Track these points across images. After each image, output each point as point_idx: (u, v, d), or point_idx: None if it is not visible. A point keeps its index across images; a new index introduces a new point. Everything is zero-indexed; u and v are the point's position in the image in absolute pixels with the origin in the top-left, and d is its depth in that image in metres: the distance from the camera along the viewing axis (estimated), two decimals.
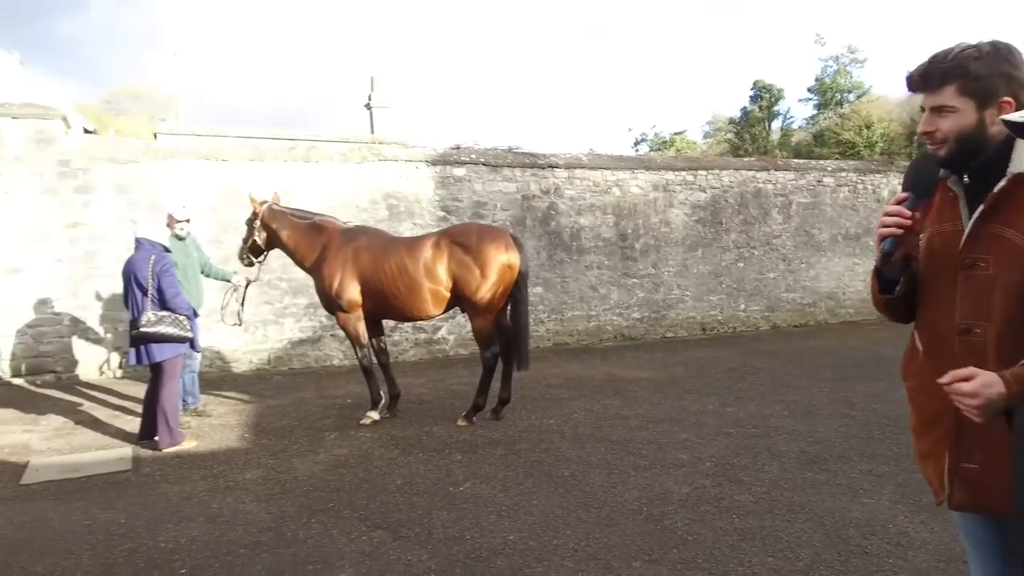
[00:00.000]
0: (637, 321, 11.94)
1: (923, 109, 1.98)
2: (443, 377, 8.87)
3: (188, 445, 5.89)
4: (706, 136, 40.14)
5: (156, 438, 5.84)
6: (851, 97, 30.06)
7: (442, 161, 10.73)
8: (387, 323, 7.13)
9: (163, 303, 5.78)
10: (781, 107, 34.64)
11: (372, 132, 20.17)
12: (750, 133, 34.41)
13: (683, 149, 33.21)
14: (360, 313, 6.58)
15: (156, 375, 5.93)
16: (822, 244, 13.52)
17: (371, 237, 6.70)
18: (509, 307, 6.54)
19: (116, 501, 4.66)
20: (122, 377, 8.94)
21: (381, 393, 6.73)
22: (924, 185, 2.00)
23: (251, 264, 7.12)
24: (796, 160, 14.86)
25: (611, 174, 11.80)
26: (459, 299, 6.43)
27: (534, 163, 11.28)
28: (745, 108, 35.70)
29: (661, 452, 5.53)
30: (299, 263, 6.93)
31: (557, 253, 11.38)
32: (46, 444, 6.01)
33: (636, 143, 38.01)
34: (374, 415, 6.62)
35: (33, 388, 8.19)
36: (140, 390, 6.82)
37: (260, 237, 6.88)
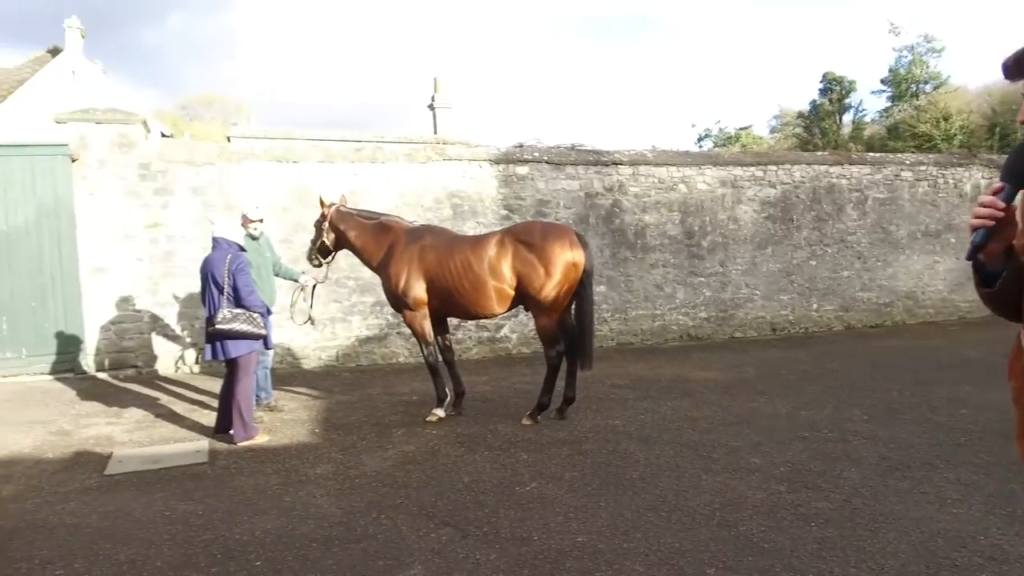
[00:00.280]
0: (704, 321, 11.68)
1: None
2: (506, 375, 8.87)
3: (261, 439, 6.03)
4: (773, 131, 39.12)
5: (231, 432, 6.01)
6: (927, 88, 28.81)
7: (505, 160, 10.72)
8: (450, 321, 7.16)
9: (238, 301, 5.93)
10: (852, 100, 33.52)
11: (435, 132, 20.37)
12: (820, 127, 33.36)
13: (749, 144, 32.44)
14: (426, 311, 6.62)
15: (231, 371, 6.10)
16: (900, 241, 12.97)
17: (436, 236, 6.73)
18: (574, 306, 6.48)
19: (194, 493, 4.81)
20: (199, 372, 9.25)
21: (447, 391, 6.77)
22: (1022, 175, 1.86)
23: (319, 265, 7.26)
24: (871, 154, 14.28)
25: (677, 170, 11.58)
26: (523, 297, 6.40)
27: (597, 160, 11.16)
28: (814, 101, 34.62)
29: (733, 456, 5.38)
30: (366, 263, 7.03)
31: (621, 251, 11.23)
32: (128, 436, 6.25)
33: (699, 139, 37.31)
34: (440, 412, 6.66)
35: (116, 382, 8.55)
36: (216, 385, 7.03)
37: (328, 238, 7.00)
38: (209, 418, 6.61)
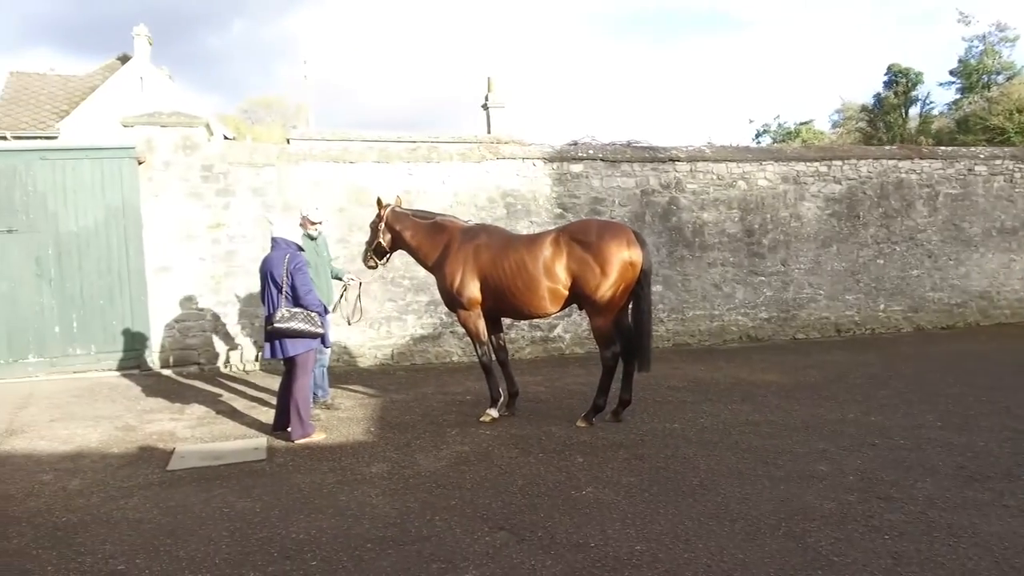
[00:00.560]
0: (764, 321, 11.35)
1: None
2: (560, 376, 8.76)
3: (318, 437, 6.08)
4: (835, 125, 38.04)
5: (289, 429, 6.07)
6: (1000, 79, 27.57)
7: (559, 158, 10.62)
8: (504, 320, 7.10)
9: (296, 300, 5.99)
10: (919, 92, 32.36)
11: (489, 132, 20.39)
12: (884, 121, 32.28)
13: (809, 140, 31.56)
14: (480, 311, 6.58)
15: (289, 369, 6.17)
16: (973, 239, 12.36)
17: (491, 235, 6.68)
18: (630, 306, 6.34)
19: (252, 490, 4.86)
20: (259, 370, 9.42)
21: (500, 391, 6.71)
22: None
23: (375, 266, 7.29)
24: (943, 148, 13.65)
25: (736, 166, 11.27)
26: (578, 297, 6.29)
27: (654, 157, 10.95)
28: (879, 94, 33.54)
29: (798, 463, 5.17)
30: (421, 262, 7.03)
31: (678, 250, 11.00)
32: (190, 432, 6.38)
33: (757, 135, 36.52)
34: (493, 413, 6.61)
35: (179, 379, 8.77)
36: (275, 382, 7.13)
37: (385, 239, 7.03)
38: (268, 415, 6.70)
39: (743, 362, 9.44)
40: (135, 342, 9.05)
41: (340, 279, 7.48)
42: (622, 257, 6.07)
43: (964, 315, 12.35)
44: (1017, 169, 12.57)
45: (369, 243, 7.20)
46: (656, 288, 10.30)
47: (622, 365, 6.36)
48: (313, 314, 6.04)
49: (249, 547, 3.95)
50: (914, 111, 33.14)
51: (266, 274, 6.07)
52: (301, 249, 6.30)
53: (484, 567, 3.63)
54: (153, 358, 9.14)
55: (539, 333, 10.51)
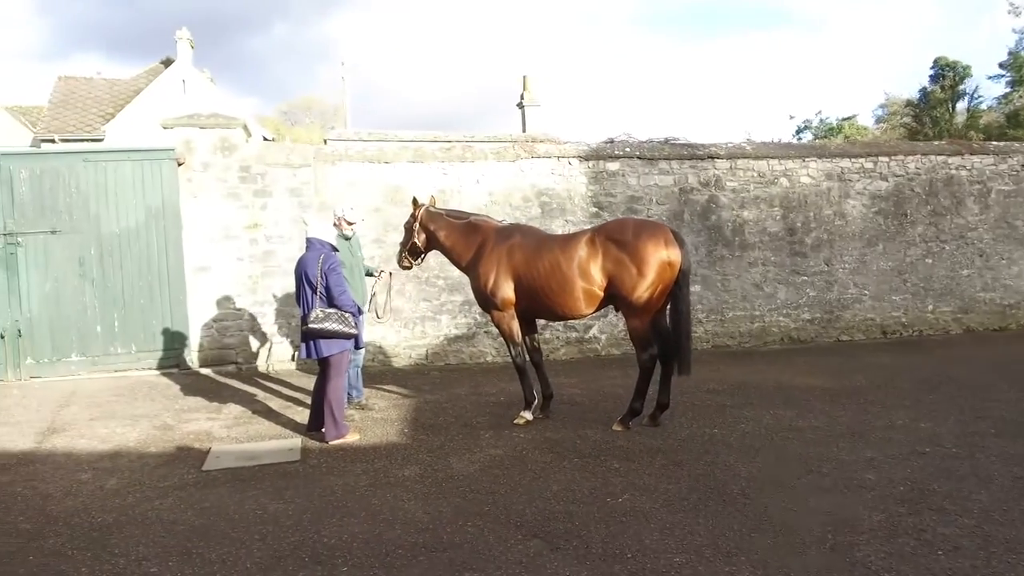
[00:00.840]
0: (807, 322, 11.05)
1: None
2: (595, 377, 8.62)
3: (352, 438, 6.05)
4: (879, 121, 37.14)
5: (323, 430, 6.06)
6: None
7: (595, 156, 10.47)
8: (538, 321, 7.00)
9: (330, 300, 5.97)
10: (967, 86, 31.40)
11: (524, 130, 20.29)
12: (931, 116, 31.40)
13: (852, 136, 30.84)
14: (514, 312, 6.49)
15: (323, 369, 6.16)
16: None
17: (525, 235, 6.58)
18: (668, 307, 6.19)
19: (285, 491, 4.84)
20: (295, 369, 9.46)
21: (534, 393, 6.61)
22: None
23: (409, 267, 7.25)
24: (994, 143, 13.14)
25: (778, 163, 10.99)
26: (614, 298, 6.17)
27: (693, 154, 10.73)
28: (924, 88, 32.65)
29: (844, 471, 4.97)
30: (455, 263, 6.97)
31: (717, 249, 10.76)
32: (226, 432, 6.41)
33: (798, 131, 35.80)
34: (527, 415, 6.52)
35: (217, 378, 8.85)
36: (311, 382, 7.13)
37: (419, 239, 6.98)
38: (303, 415, 6.70)
39: (785, 365, 9.18)
40: (174, 341, 9.17)
41: (372, 275, 7.47)
42: (659, 257, 5.92)
43: (1017, 316, 11.87)
44: None
45: (403, 243, 7.16)
46: (695, 288, 10.10)
47: (660, 368, 6.21)
48: (347, 315, 6.01)
49: (281, 551, 3.91)
50: (961, 105, 32.19)
51: (301, 274, 6.07)
52: (335, 249, 6.28)
53: None
54: (192, 357, 9.25)
55: (574, 334, 10.38)
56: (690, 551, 3.77)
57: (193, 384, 8.41)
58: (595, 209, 10.39)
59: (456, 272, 7.91)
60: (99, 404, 7.48)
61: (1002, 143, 12.94)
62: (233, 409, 7.25)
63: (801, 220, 11.03)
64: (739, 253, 10.84)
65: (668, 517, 4.23)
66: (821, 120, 35.16)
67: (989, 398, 7.05)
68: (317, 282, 5.94)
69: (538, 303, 6.36)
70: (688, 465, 5.18)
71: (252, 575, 3.65)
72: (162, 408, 7.30)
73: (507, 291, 6.39)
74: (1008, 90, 28.88)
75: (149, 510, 4.54)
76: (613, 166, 10.50)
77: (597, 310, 6.43)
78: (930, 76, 32.43)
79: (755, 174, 10.91)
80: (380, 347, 9.76)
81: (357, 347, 6.58)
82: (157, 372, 9.04)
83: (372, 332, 9.41)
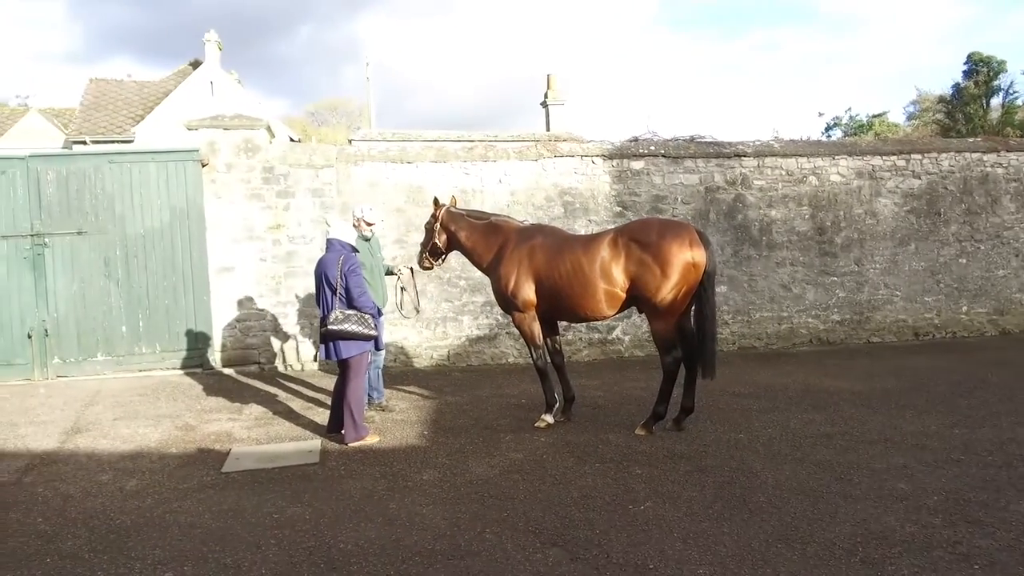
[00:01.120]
0: (836, 324, 10.80)
1: None
2: (618, 380, 8.49)
3: (371, 440, 6.01)
4: (910, 117, 36.49)
5: (343, 432, 6.02)
6: None
7: (619, 155, 10.33)
8: (560, 322, 6.90)
9: (350, 302, 5.94)
10: (1001, 81, 30.69)
11: (548, 129, 20.20)
12: (964, 112, 30.75)
13: (883, 133, 30.28)
14: (535, 313, 6.40)
15: (343, 371, 6.12)
16: None
17: (547, 236, 6.49)
18: (693, 309, 6.05)
19: (303, 495, 4.80)
20: (317, 370, 9.46)
21: (556, 395, 6.52)
22: None
23: (430, 267, 7.19)
24: None
25: (807, 161, 10.76)
26: (637, 300, 6.05)
27: (719, 152, 10.55)
28: (958, 84, 31.99)
29: (875, 479, 4.80)
30: (476, 264, 6.89)
31: (744, 249, 10.57)
32: (247, 433, 6.40)
33: (827, 128, 35.27)
34: (548, 418, 6.42)
35: (240, 378, 8.87)
36: (332, 383, 7.07)
37: (440, 239, 6.92)
38: (323, 416, 6.68)
39: (814, 367, 8.97)
40: (198, 341, 9.21)
41: (393, 274, 7.42)
42: (684, 258, 5.80)
43: None
44: None
45: (424, 244, 7.10)
46: (720, 289, 9.93)
47: (684, 371, 6.08)
48: (367, 316, 5.97)
49: (296, 556, 3.87)
50: (996, 101, 31.46)
51: (321, 276, 6.04)
52: (356, 251, 6.24)
53: None
54: (215, 357, 9.29)
55: (597, 335, 10.26)
56: (714, 563, 3.65)
57: (216, 384, 8.44)
58: (619, 209, 10.26)
59: (478, 273, 7.84)
60: (123, 404, 7.53)
61: None
62: (254, 410, 7.25)
63: (831, 219, 10.79)
64: (766, 253, 10.63)
65: (692, 526, 4.11)
66: (851, 117, 34.61)
67: None
68: (337, 283, 5.90)
69: (559, 305, 6.27)
70: (713, 472, 5.05)
71: None
72: (184, 408, 7.33)
73: (528, 292, 6.30)
74: None
75: (167, 512, 4.53)
76: (637, 165, 10.36)
77: (619, 312, 6.31)
78: (963, 71, 31.77)
79: (783, 172, 10.69)
80: (402, 348, 9.73)
81: (377, 348, 6.54)
82: (181, 372, 9.09)
83: (394, 332, 9.39)
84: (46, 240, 8.83)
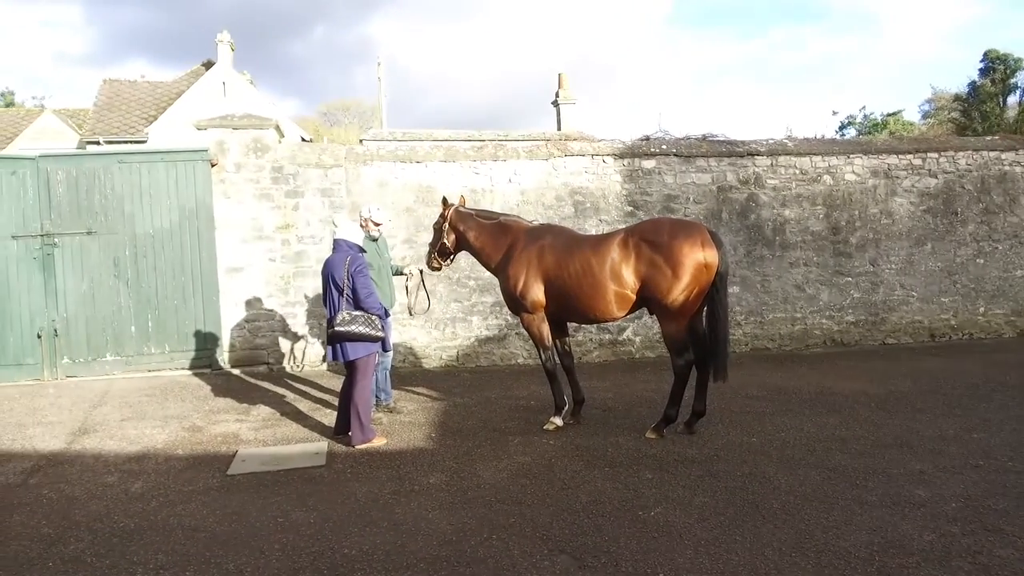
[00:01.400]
0: (851, 325, 10.65)
1: None
2: (629, 382, 8.39)
3: (378, 443, 5.95)
4: (925, 116, 36.12)
5: (350, 434, 5.96)
6: None
7: (630, 154, 10.23)
8: (570, 324, 6.81)
9: (357, 303, 5.88)
10: (1018, 79, 30.29)
11: (559, 128, 20.11)
12: (980, 110, 30.37)
13: (898, 131, 29.95)
14: (544, 314, 6.32)
15: (350, 372, 6.07)
16: None
17: (556, 236, 6.40)
18: (705, 310, 5.95)
19: (308, 498, 4.75)
20: (326, 371, 9.42)
21: (565, 398, 6.44)
22: None
23: (439, 268, 7.12)
24: None
25: (821, 160, 10.62)
26: (648, 301, 5.95)
27: (732, 151, 10.42)
28: (974, 82, 31.61)
29: (892, 486, 4.69)
30: (485, 264, 6.82)
31: (757, 249, 10.44)
32: (253, 434, 6.36)
33: (841, 127, 34.95)
34: (557, 421, 6.34)
35: (248, 379, 8.84)
36: (340, 384, 7.05)
37: (448, 240, 6.85)
38: (331, 418, 6.63)
39: (828, 369, 8.84)
40: (207, 342, 9.20)
41: (402, 274, 7.36)
42: (695, 258, 5.70)
43: None
44: None
45: (433, 244, 7.04)
46: (733, 290, 9.81)
47: (696, 373, 5.98)
48: (374, 317, 5.91)
49: (300, 562, 3.81)
50: (1013, 99, 31.08)
51: (327, 276, 5.99)
52: (363, 251, 6.18)
53: None
54: (224, 357, 9.27)
55: (607, 336, 10.16)
56: (726, 571, 3.56)
57: (224, 385, 8.41)
58: (630, 208, 10.16)
59: (487, 273, 7.76)
60: (131, 404, 7.52)
61: None
62: (262, 411, 7.22)
63: (845, 219, 10.64)
64: (780, 253, 10.50)
65: (703, 533, 4.02)
66: (865, 116, 34.28)
67: None
68: (344, 284, 5.85)
69: (569, 306, 6.18)
70: (725, 477, 4.95)
71: None
72: (192, 409, 7.30)
73: (537, 293, 6.23)
74: None
75: (171, 516, 4.48)
76: (649, 164, 10.26)
77: (630, 313, 6.22)
78: (979, 69, 31.39)
79: (797, 171, 10.56)
80: (411, 348, 9.68)
81: (385, 350, 6.48)
82: (189, 372, 9.08)
83: (403, 333, 9.34)
84: (56, 240, 8.84)
